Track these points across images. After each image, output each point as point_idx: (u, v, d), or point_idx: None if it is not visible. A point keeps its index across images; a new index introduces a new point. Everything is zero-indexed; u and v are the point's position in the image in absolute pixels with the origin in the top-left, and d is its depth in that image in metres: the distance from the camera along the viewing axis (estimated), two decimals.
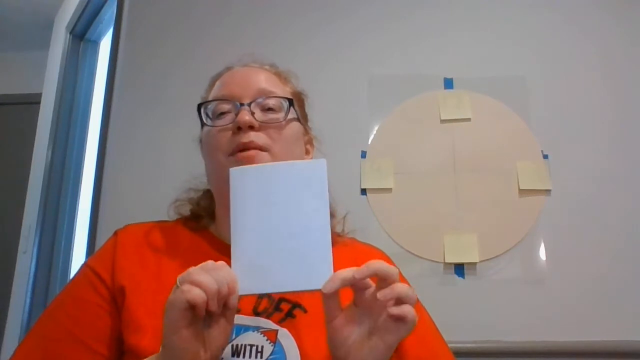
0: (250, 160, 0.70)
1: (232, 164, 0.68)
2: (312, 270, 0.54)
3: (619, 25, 1.43)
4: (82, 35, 2.27)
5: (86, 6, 2.10)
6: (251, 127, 0.71)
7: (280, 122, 0.74)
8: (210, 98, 0.78)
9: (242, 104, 0.73)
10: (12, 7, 2.78)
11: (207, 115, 0.76)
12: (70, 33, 2.25)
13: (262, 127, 0.73)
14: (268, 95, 0.75)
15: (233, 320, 0.55)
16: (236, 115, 0.72)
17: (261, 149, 0.71)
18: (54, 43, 2.58)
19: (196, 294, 0.50)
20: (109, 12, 1.99)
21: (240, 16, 1.57)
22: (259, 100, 0.74)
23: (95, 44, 2.31)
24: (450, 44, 1.47)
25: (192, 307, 0.50)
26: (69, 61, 2.22)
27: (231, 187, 0.57)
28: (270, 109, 0.75)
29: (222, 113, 0.75)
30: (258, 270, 0.55)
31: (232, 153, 0.71)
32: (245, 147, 0.71)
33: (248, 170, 0.59)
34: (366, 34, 1.50)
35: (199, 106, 0.77)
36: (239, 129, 0.71)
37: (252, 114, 0.72)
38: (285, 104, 0.76)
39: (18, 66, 3.16)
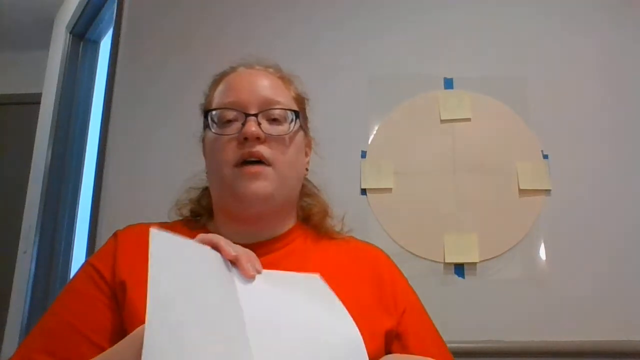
0: (255, 177, 0.71)
1: (237, 176, 0.71)
2: None
3: (619, 25, 1.43)
4: (82, 35, 2.27)
5: (86, 6, 2.10)
6: (257, 139, 0.72)
7: (286, 135, 0.75)
8: (215, 101, 0.78)
9: (248, 115, 0.73)
10: (12, 6, 2.77)
11: (212, 120, 0.77)
12: (70, 33, 2.25)
13: (268, 139, 0.73)
14: (274, 105, 0.76)
15: None
16: (243, 125, 0.73)
17: (266, 161, 0.72)
18: (54, 43, 2.58)
19: None
20: (109, 12, 1.99)
21: (241, 17, 1.57)
22: (265, 111, 0.75)
23: (95, 44, 2.31)
24: (450, 44, 1.46)
25: None
26: (69, 61, 2.22)
27: (151, 252, 0.51)
28: (275, 120, 0.75)
29: (228, 121, 0.75)
30: None
31: (237, 164, 0.72)
32: (252, 156, 0.72)
33: (169, 240, 0.53)
34: (366, 34, 1.50)
35: (206, 112, 0.78)
36: (245, 139, 0.72)
37: (259, 124, 0.73)
38: (291, 115, 0.77)
39: (18, 66, 3.15)
